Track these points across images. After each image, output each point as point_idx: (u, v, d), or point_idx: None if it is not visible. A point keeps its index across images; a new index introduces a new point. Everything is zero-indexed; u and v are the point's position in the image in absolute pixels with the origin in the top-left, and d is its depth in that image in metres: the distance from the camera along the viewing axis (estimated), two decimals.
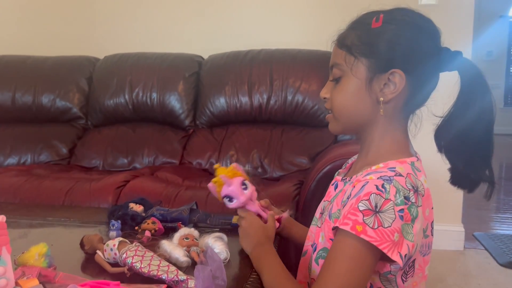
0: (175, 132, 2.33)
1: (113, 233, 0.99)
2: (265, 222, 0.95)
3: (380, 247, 0.69)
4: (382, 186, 0.71)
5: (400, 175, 0.73)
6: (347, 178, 0.84)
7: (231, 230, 1.03)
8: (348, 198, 0.75)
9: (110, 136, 2.36)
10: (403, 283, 0.78)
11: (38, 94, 2.43)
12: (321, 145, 2.09)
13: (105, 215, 1.12)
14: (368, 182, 0.72)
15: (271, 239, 0.91)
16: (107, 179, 1.88)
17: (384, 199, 0.70)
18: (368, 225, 0.69)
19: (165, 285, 0.75)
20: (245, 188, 0.89)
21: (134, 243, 0.86)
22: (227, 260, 0.88)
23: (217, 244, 0.89)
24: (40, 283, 0.72)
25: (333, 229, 0.75)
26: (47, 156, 2.33)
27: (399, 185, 0.72)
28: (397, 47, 0.76)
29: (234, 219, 1.11)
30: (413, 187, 0.74)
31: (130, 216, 1.07)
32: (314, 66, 2.19)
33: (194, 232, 0.95)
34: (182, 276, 0.76)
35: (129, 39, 2.64)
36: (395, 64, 0.76)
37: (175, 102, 2.31)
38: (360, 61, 0.78)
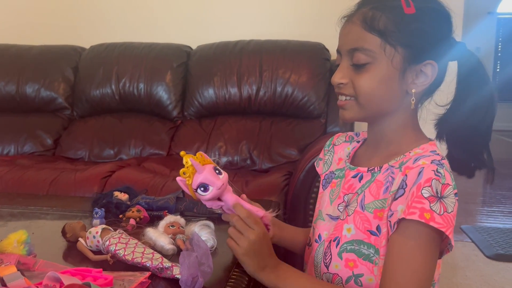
0: (163, 123, 2.29)
1: (96, 221, 0.97)
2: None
3: (447, 233, 0.69)
4: (437, 171, 0.70)
5: (444, 157, 0.74)
6: (375, 168, 0.80)
7: (219, 219, 1.00)
8: (402, 187, 0.72)
9: (96, 127, 2.31)
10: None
11: (22, 84, 2.38)
12: (310, 136, 2.08)
13: (89, 204, 1.10)
14: (423, 168, 0.70)
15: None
16: (93, 169, 1.85)
17: (442, 184, 0.69)
18: (436, 212, 0.68)
19: (149, 273, 0.73)
20: (219, 173, 0.79)
21: (117, 231, 0.84)
22: (214, 248, 0.87)
23: (203, 232, 0.87)
24: (18, 270, 0.69)
25: (396, 222, 0.71)
26: (31, 146, 2.29)
27: (448, 169, 0.72)
28: (432, 38, 0.75)
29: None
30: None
31: (114, 204, 1.05)
32: (304, 57, 2.17)
33: (180, 220, 0.93)
34: (167, 263, 0.74)
35: (116, 29, 2.59)
36: (429, 55, 0.75)
37: (163, 93, 2.27)
38: (396, 50, 0.74)
